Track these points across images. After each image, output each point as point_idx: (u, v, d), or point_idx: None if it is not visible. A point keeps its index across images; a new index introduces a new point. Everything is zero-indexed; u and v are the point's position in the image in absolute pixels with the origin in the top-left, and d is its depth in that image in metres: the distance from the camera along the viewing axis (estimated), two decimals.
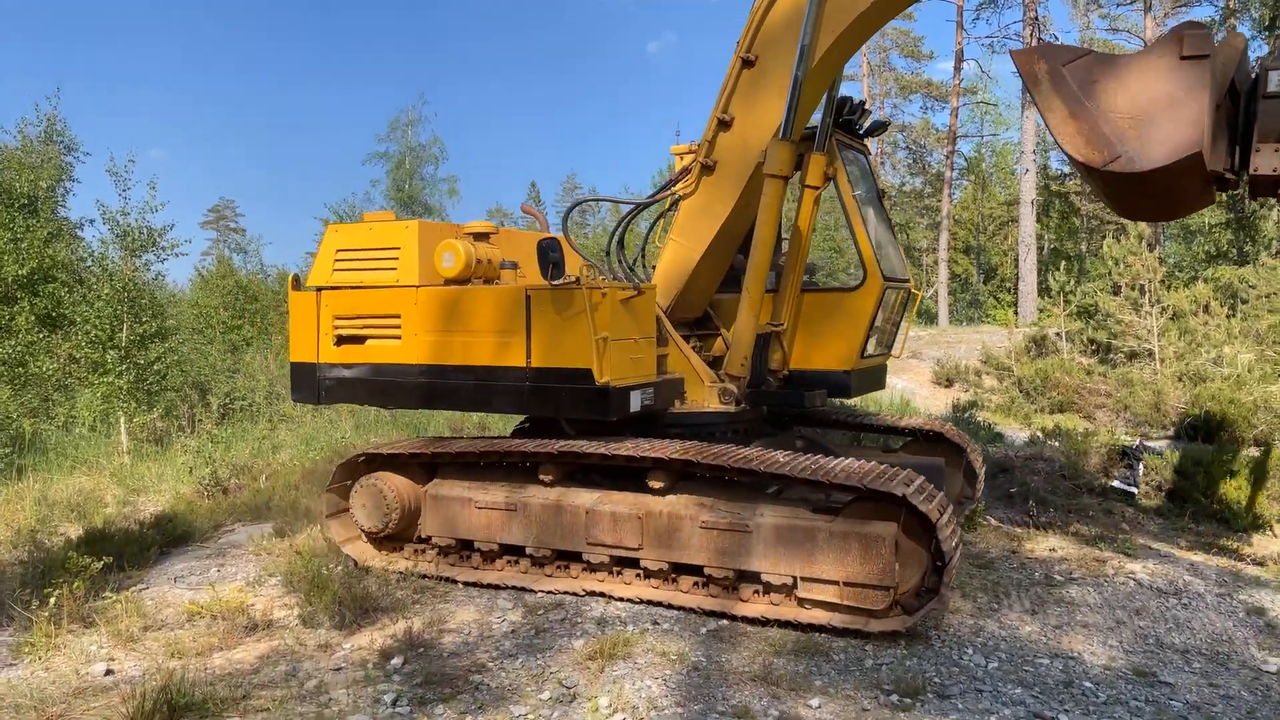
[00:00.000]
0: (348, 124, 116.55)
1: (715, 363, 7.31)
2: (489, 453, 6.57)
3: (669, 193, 7.34)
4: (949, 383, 18.25)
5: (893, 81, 44.52)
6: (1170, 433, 12.48)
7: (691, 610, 5.86)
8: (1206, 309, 16.33)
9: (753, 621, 5.68)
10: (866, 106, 7.66)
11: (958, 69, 39.02)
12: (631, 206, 8.05)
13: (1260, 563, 7.20)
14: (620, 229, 7.93)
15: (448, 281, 6.64)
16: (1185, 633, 5.55)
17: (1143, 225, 17.38)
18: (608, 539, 6.10)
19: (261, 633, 5.72)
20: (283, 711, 4.56)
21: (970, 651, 5.19)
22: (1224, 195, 29.58)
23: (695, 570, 5.94)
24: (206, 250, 65.93)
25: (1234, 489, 8.45)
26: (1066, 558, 7.03)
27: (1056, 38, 34.90)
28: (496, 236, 7.11)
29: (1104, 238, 21.75)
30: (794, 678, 4.86)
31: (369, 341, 6.96)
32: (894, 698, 4.61)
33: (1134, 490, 8.99)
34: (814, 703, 4.57)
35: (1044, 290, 25.49)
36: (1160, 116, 4.62)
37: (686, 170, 7.23)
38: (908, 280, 7.68)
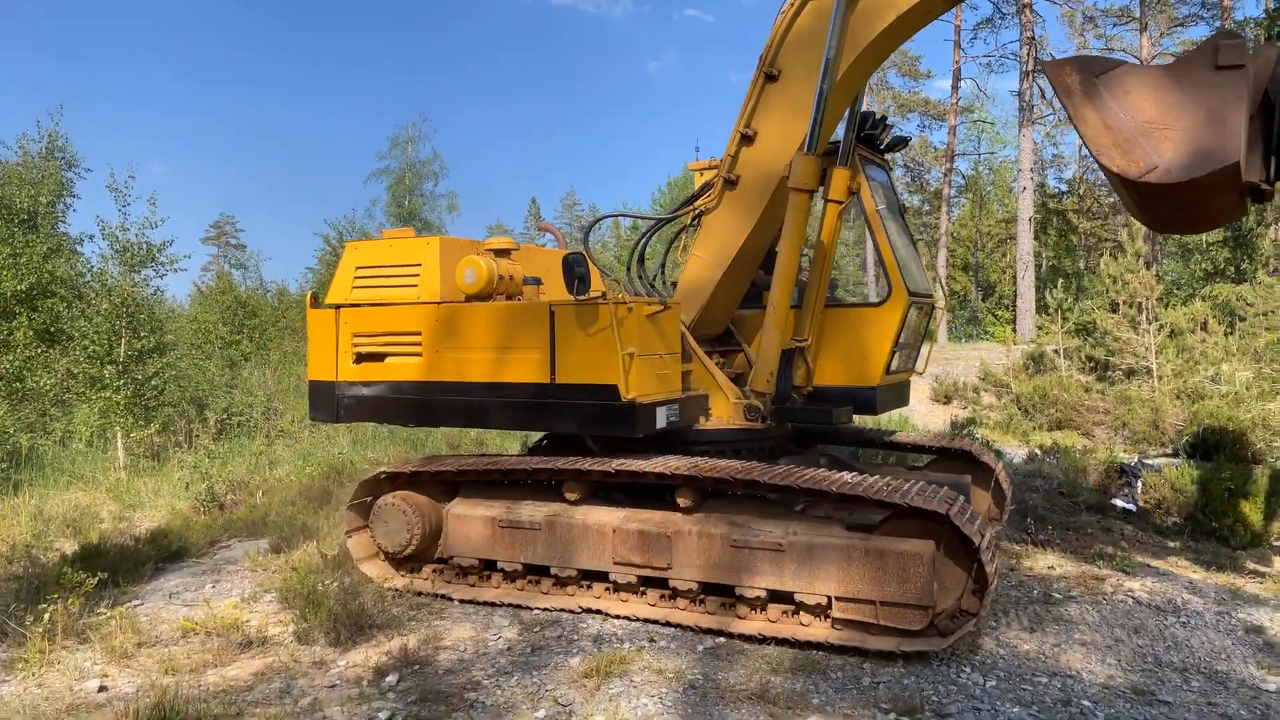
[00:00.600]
0: (349, 143, 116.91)
1: (737, 380, 7.25)
2: (541, 471, 6.40)
3: (691, 208, 7.28)
4: (947, 399, 18.26)
5: (890, 100, 44.79)
6: (1169, 450, 12.48)
7: (706, 630, 5.77)
8: (1204, 327, 16.36)
9: (773, 640, 5.58)
10: (888, 122, 7.61)
11: (955, 88, 39.27)
12: (653, 222, 8.01)
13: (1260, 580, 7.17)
14: (641, 245, 7.88)
15: (469, 298, 6.60)
16: (1184, 651, 5.52)
17: (1139, 243, 17.44)
18: (636, 558, 6.00)
19: (256, 649, 5.69)
20: None
21: (968, 670, 5.17)
22: None
23: (725, 590, 5.83)
24: (206, 265, 66.13)
25: (1233, 507, 8.43)
26: (1065, 575, 7.00)
27: (1053, 56, 35.11)
28: (517, 253, 7.08)
29: (1102, 255, 21.81)
30: (791, 696, 4.83)
31: (389, 359, 6.90)
32: (892, 716, 4.58)
33: (1132, 508, 8.98)
34: None
35: (1042, 307, 25.55)
36: (1197, 127, 4.56)
37: (708, 185, 7.18)
38: (931, 295, 7.60)
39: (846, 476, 5.75)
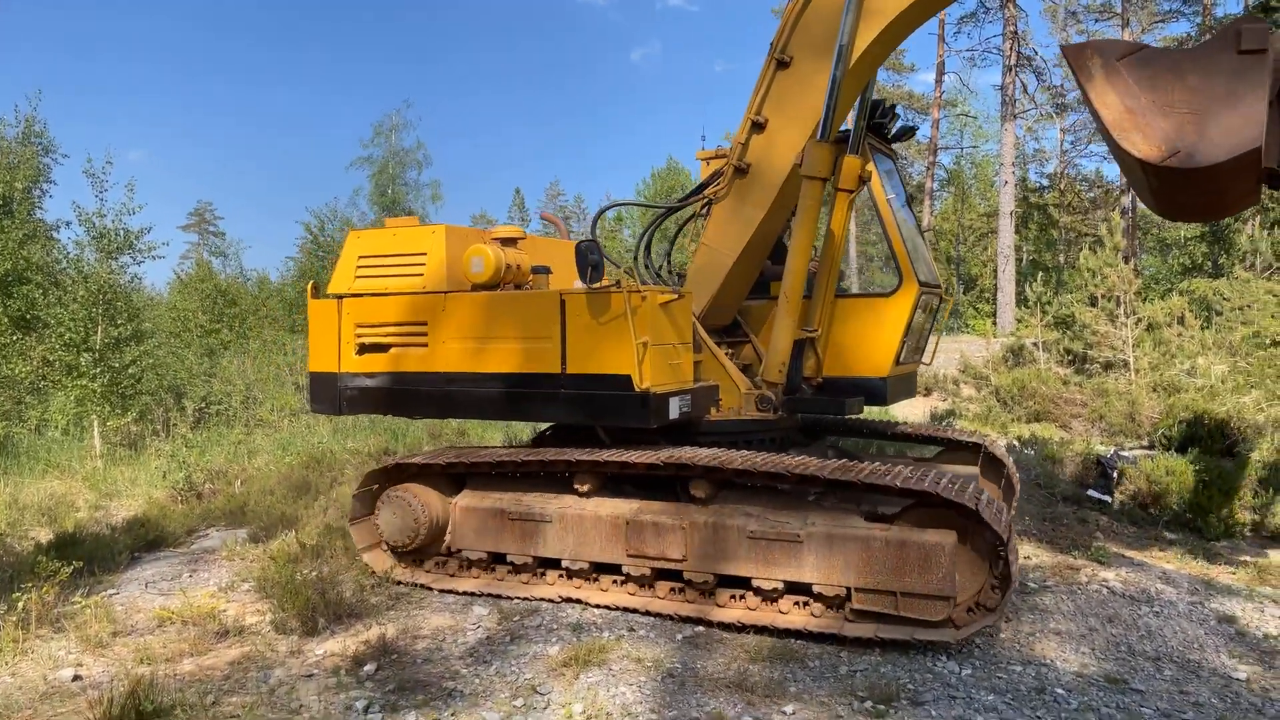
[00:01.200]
0: (331, 130, 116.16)
1: (745, 371, 7.18)
2: (617, 464, 6.15)
3: (700, 197, 7.17)
4: (927, 391, 18.35)
5: (874, 93, 44.83)
6: (1145, 442, 12.60)
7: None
8: (1181, 321, 16.51)
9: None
10: (896, 110, 7.51)
11: (939, 81, 39.40)
12: (661, 211, 7.90)
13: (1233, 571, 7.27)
14: (648, 234, 7.78)
15: (476, 287, 6.50)
16: (1157, 640, 5.59)
17: (1118, 237, 17.56)
18: (650, 550, 5.92)
19: (233, 639, 5.66)
20: (252, 718, 4.51)
21: (944, 658, 5.21)
22: None
23: (742, 583, 5.76)
24: (186, 253, 65.53)
25: (1208, 499, 8.53)
26: (1041, 565, 7.07)
27: (1035, 51, 35.35)
28: (523, 242, 6.97)
29: (1081, 249, 21.97)
30: (769, 684, 4.85)
31: (393, 350, 6.77)
32: (868, 704, 4.61)
33: (1108, 499, 9.07)
34: (788, 709, 4.56)
35: (1022, 301, 25.73)
36: (1219, 112, 4.50)
37: (718, 174, 7.07)
38: (939, 286, 7.55)
39: (905, 470, 5.64)
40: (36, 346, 16.58)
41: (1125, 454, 10.26)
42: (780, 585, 5.58)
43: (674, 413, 6.10)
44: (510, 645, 5.49)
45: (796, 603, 5.65)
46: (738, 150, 6.85)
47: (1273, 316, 16.45)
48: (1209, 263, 27.21)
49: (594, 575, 6.24)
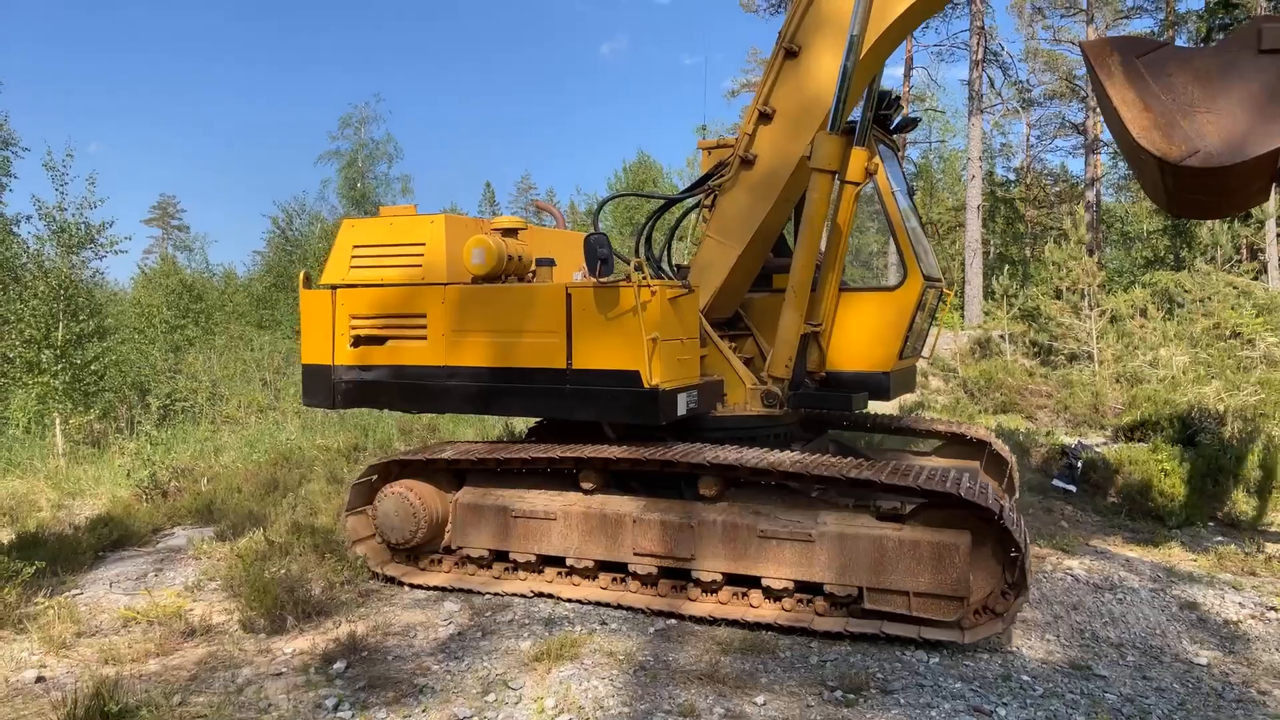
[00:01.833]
0: (292, 118, 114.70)
1: (746, 364, 7.07)
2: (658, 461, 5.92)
3: (705, 188, 7.02)
4: None
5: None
6: (1108, 432, 12.81)
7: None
8: (1144, 313, 16.80)
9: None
10: (900, 101, 7.40)
11: (907, 76, 39.64)
12: (663, 202, 7.75)
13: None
14: (648, 225, 7.66)
15: (476, 279, 6.37)
16: (1120, 627, 5.69)
17: (1083, 231, 17.81)
18: (657, 549, 5.83)
19: (200, 638, 5.59)
20: (219, 718, 4.46)
21: (912, 647, 5.26)
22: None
23: (753, 582, 5.67)
24: (149, 248, 64.53)
25: (1170, 487, 8.69)
26: None
27: (1003, 47, 35.68)
28: (524, 234, 6.82)
29: (1046, 243, 22.25)
30: (740, 676, 4.88)
31: (390, 342, 6.61)
32: (838, 693, 4.66)
33: (1073, 488, 9.21)
34: (759, 700, 4.59)
35: (989, 293, 26.01)
36: (1239, 111, 4.47)
37: (723, 164, 6.93)
38: (941, 279, 7.48)
39: (925, 470, 5.58)
40: None
41: (1089, 444, 10.42)
42: (791, 584, 5.49)
43: (682, 409, 5.99)
44: (482, 641, 5.47)
45: (801, 600, 5.59)
46: (744, 141, 6.72)
47: (1232, 309, 16.78)
48: (1171, 256, 27.68)
49: (567, 573, 6.20)
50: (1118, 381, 14.35)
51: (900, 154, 7.74)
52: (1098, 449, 9.75)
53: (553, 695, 4.66)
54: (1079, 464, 9.46)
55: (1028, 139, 45.78)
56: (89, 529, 7.96)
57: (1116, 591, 6.31)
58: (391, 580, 6.53)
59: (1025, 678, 4.87)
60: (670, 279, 7.03)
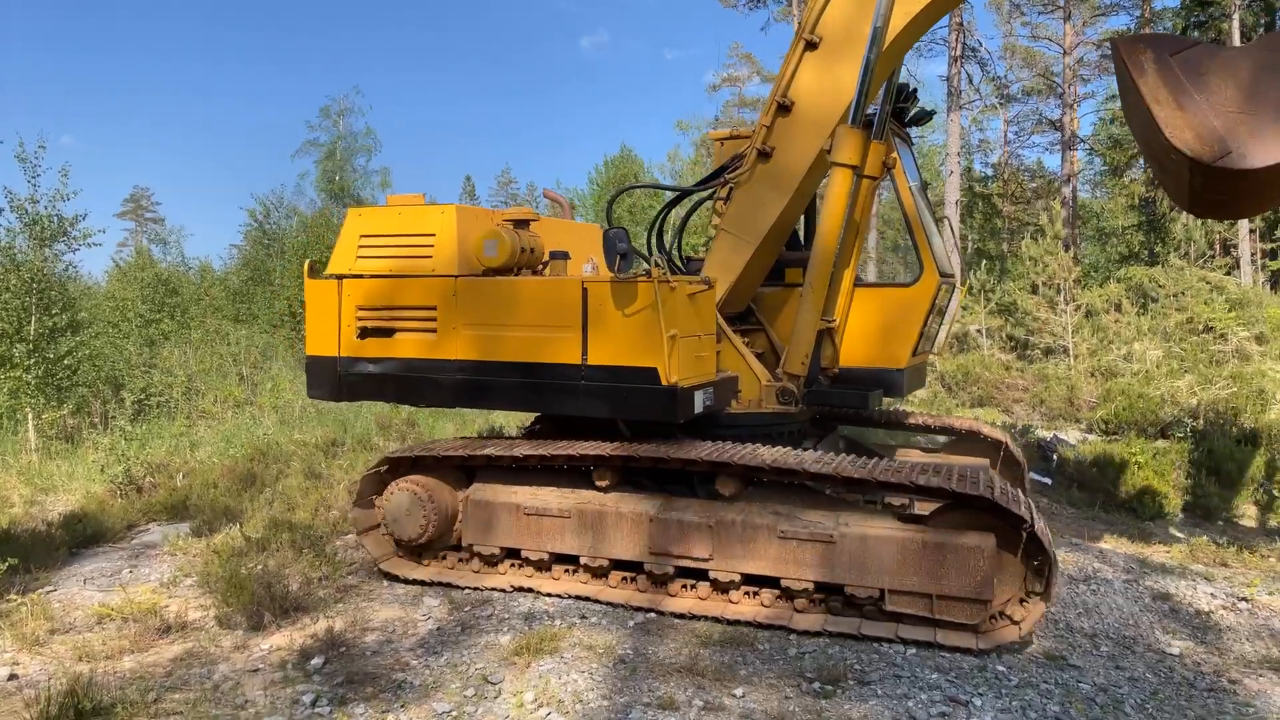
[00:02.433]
0: (272, 112, 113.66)
1: (757, 360, 7.00)
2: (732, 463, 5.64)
3: (721, 180, 6.90)
4: None
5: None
6: (1083, 426, 12.95)
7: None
8: (1118, 307, 16.98)
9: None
10: (917, 93, 7.33)
11: None
12: (675, 195, 7.63)
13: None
14: (660, 219, 7.56)
15: (488, 271, 6.25)
16: (1094, 618, 5.76)
17: (1059, 226, 17.96)
18: (674, 549, 5.72)
19: (175, 635, 5.54)
20: (196, 714, 4.43)
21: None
22: (1136, 199, 30.46)
23: (772, 583, 5.56)
24: (124, 241, 63.73)
25: (1143, 481, 8.81)
26: None
27: (981, 43, 35.84)
28: (536, 225, 6.69)
29: (1023, 238, 22.43)
30: (719, 668, 4.90)
31: (398, 334, 6.47)
32: (816, 685, 4.69)
33: (1048, 481, 9.31)
34: (738, 692, 4.62)
35: (967, 288, 26.17)
36: (1274, 113, 4.45)
37: (739, 157, 6.81)
38: (954, 275, 7.43)
39: (956, 471, 5.48)
40: None
41: (1065, 438, 10.53)
42: (810, 585, 5.41)
43: (699, 406, 5.89)
44: (461, 635, 5.46)
45: (814, 600, 5.53)
46: (761, 133, 6.61)
47: (1205, 303, 16.99)
48: (1145, 251, 27.97)
49: (554, 567, 6.14)
50: (1092, 375, 14.51)
51: (913, 148, 7.66)
52: (1073, 443, 9.85)
53: (532, 689, 4.66)
54: (1054, 458, 9.56)
55: (1005, 135, 46.06)
56: (62, 525, 7.86)
57: (1090, 583, 6.39)
58: (391, 576, 6.41)
59: (1000, 668, 4.92)
60: (682, 273, 6.94)
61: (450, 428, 12.81)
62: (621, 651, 5.15)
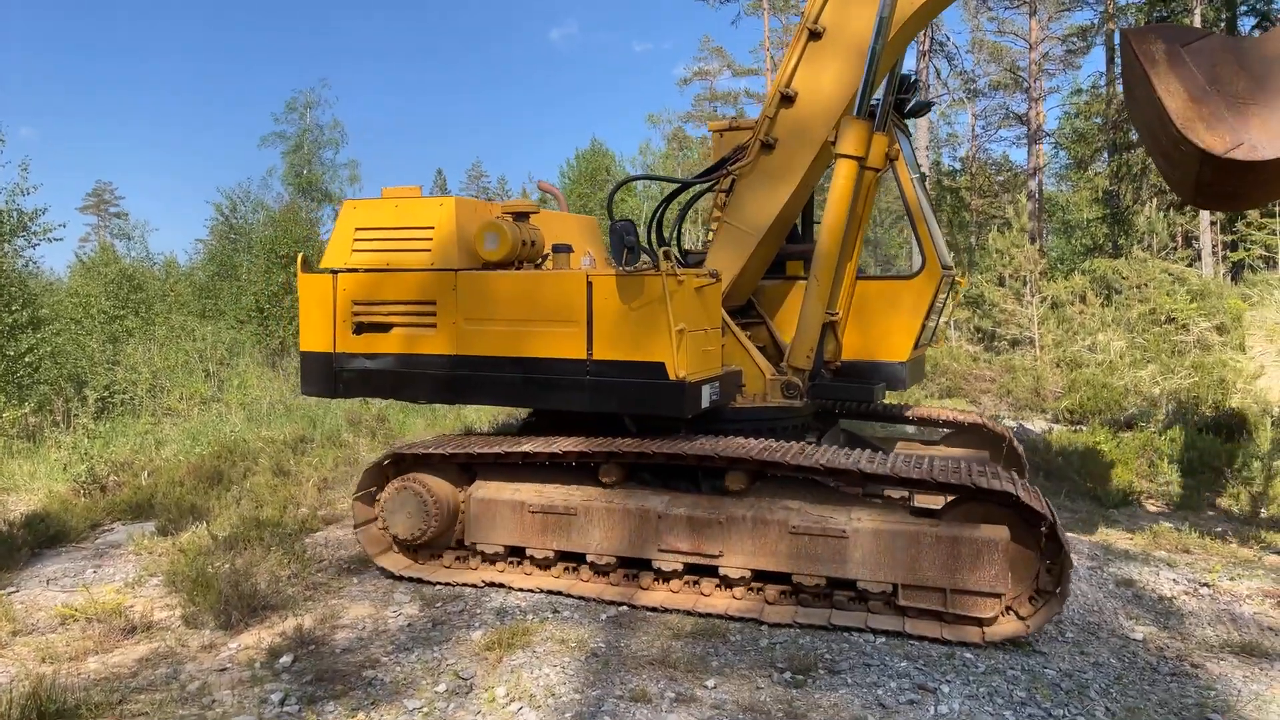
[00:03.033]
0: (238, 105, 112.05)
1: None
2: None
3: (724, 172, 6.82)
4: None
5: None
6: (1048, 415, 13.13)
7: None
8: (1083, 299, 17.22)
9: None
10: (917, 84, 7.26)
11: None
12: (675, 187, 7.53)
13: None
14: (660, 211, 7.48)
15: (488, 265, 6.16)
16: None
17: (1025, 219, 18.17)
18: (684, 545, 5.67)
19: (141, 635, 5.46)
20: (162, 715, 4.38)
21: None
22: (1100, 192, 30.83)
23: (783, 579, 5.54)
24: (85, 236, 62.67)
25: (1105, 468, 8.95)
26: None
27: (949, 38, 36.14)
28: (536, 217, 6.57)
29: (990, 231, 22.68)
30: (691, 660, 4.92)
31: (396, 329, 6.37)
32: (787, 675, 4.72)
33: None
34: (710, 683, 4.64)
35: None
36: None
37: (741, 148, 6.75)
38: (953, 268, 7.40)
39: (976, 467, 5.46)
40: None
41: (1030, 428, 10.66)
42: (823, 582, 5.39)
43: (706, 401, 5.84)
44: (432, 631, 5.43)
45: (837, 596, 5.50)
46: (764, 124, 6.55)
47: (1167, 294, 17.27)
48: (1109, 243, 28.37)
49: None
50: (1058, 366, 14.71)
51: (911, 139, 7.61)
52: (1038, 433, 9.98)
53: (504, 684, 4.65)
54: (1020, 447, 9.67)
55: (973, 129, 46.50)
56: (24, 525, 7.71)
57: None
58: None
59: (967, 655, 4.98)
60: (684, 266, 6.93)
61: (420, 423, 12.74)
62: (594, 645, 5.15)
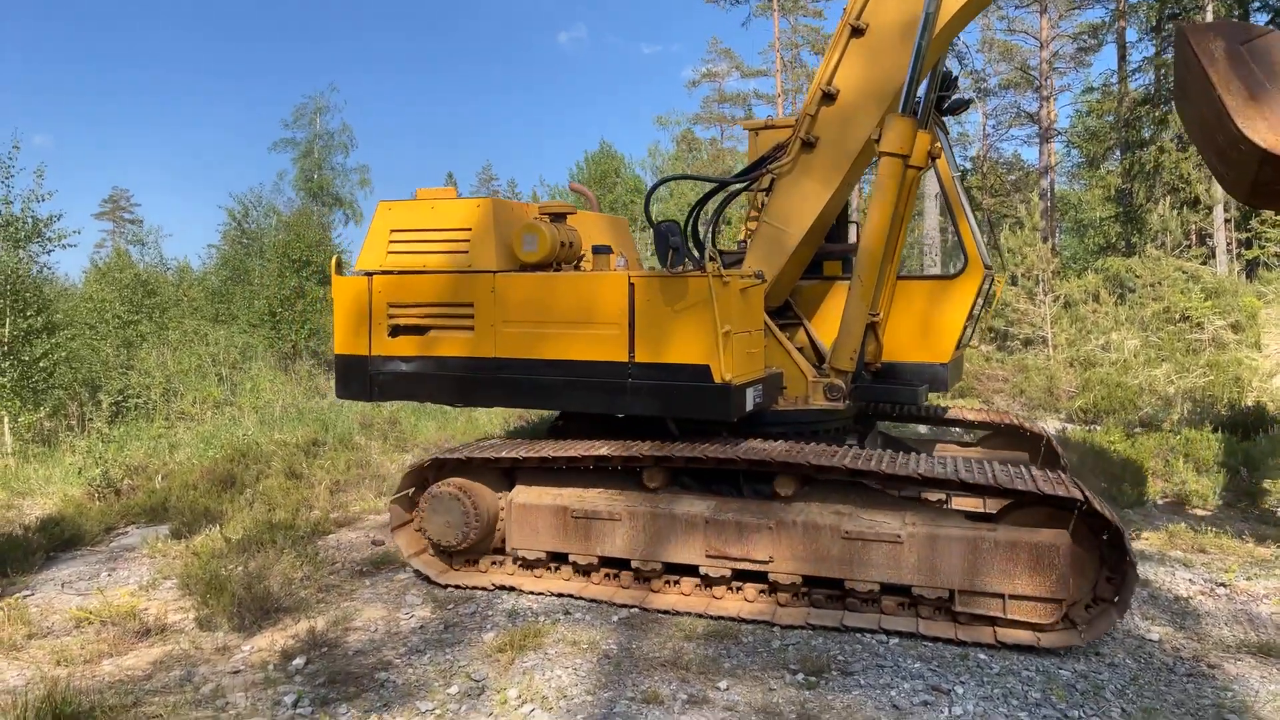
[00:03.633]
0: (250, 114, 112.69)
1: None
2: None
3: (763, 171, 6.73)
4: None
5: (804, 78, 45.29)
6: (1062, 415, 13.06)
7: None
8: (1096, 298, 17.12)
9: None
10: (958, 80, 7.14)
11: None
12: (713, 186, 7.46)
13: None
14: (698, 210, 7.42)
15: (526, 266, 6.11)
16: None
17: (1037, 218, 18.08)
18: (733, 551, 5.57)
19: (155, 638, 5.49)
20: (176, 717, 4.39)
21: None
22: (1113, 190, 30.62)
23: (835, 584, 5.44)
24: (100, 242, 63.07)
25: (1119, 468, 8.88)
26: None
27: (960, 38, 35.97)
28: (573, 218, 6.50)
29: (1002, 231, 22.57)
30: (703, 661, 4.90)
31: (432, 332, 6.31)
32: (800, 676, 4.70)
33: None
34: (722, 685, 4.62)
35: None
36: None
37: (780, 147, 6.65)
38: (991, 266, 7.30)
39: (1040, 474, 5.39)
40: None
41: (1045, 428, 10.57)
42: (876, 588, 5.30)
43: (750, 404, 5.76)
44: (445, 634, 5.44)
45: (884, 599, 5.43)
46: (805, 123, 6.44)
47: (1182, 293, 17.15)
48: (1122, 242, 28.20)
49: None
50: (1071, 365, 14.63)
51: (949, 136, 7.51)
52: (1052, 433, 9.92)
53: (516, 686, 4.65)
54: (1059, 447, 9.62)
55: (984, 128, 46.29)
56: (39, 529, 7.77)
57: None
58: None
59: (982, 656, 4.95)
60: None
61: (432, 426, 12.77)
62: (606, 647, 5.14)
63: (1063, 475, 5.31)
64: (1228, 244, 27.04)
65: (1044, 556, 4.91)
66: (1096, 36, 33.74)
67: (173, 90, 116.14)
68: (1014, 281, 17.39)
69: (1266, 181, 4.87)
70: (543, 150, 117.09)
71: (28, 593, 6.44)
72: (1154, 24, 28.68)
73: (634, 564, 5.81)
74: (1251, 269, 26.65)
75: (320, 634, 5.32)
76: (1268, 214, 24.38)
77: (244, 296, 25.17)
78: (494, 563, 6.34)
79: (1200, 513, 8.28)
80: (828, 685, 4.61)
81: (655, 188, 8.05)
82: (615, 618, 5.61)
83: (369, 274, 6.48)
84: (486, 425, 12.53)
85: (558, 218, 6.32)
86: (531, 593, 6.04)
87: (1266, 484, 8.53)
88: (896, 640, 5.17)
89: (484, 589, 6.13)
